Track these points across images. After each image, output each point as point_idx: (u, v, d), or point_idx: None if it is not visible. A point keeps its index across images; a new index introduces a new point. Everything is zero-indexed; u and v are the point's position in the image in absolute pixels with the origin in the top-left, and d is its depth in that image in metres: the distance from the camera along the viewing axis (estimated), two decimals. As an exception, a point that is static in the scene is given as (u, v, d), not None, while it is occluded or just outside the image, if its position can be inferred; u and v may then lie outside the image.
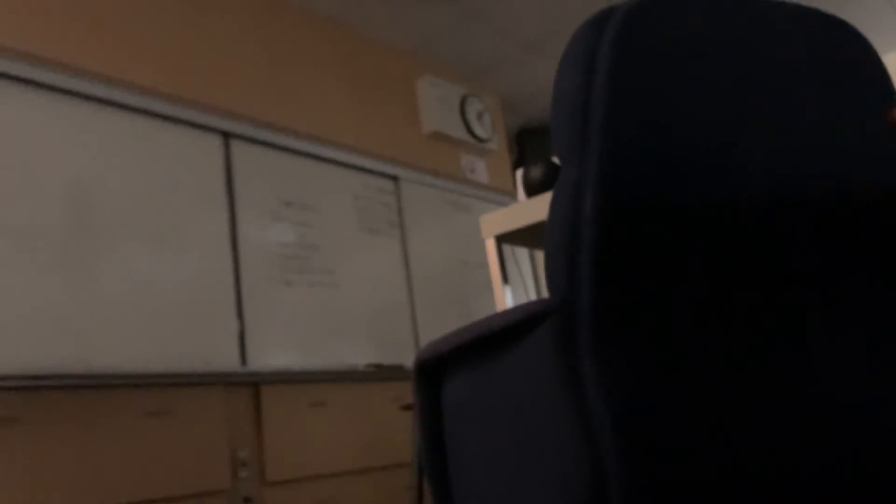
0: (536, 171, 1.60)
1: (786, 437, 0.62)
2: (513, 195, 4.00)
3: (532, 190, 1.62)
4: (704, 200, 0.63)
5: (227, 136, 2.65)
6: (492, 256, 1.64)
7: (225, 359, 2.36)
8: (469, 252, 3.55)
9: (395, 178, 3.31)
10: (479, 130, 3.81)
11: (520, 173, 1.69)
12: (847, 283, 0.69)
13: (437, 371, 0.83)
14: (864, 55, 0.76)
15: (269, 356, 2.50)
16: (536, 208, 1.54)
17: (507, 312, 0.70)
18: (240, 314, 2.46)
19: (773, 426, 0.62)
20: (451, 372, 0.81)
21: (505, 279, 1.64)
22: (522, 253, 3.86)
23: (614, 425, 0.59)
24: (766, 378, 0.64)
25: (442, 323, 3.22)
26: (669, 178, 0.63)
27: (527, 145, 4.54)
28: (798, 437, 0.63)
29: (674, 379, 0.61)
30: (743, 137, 0.66)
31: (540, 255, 3.96)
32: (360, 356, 2.80)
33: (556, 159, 1.59)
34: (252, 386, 2.44)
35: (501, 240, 1.65)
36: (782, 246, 0.66)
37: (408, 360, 2.96)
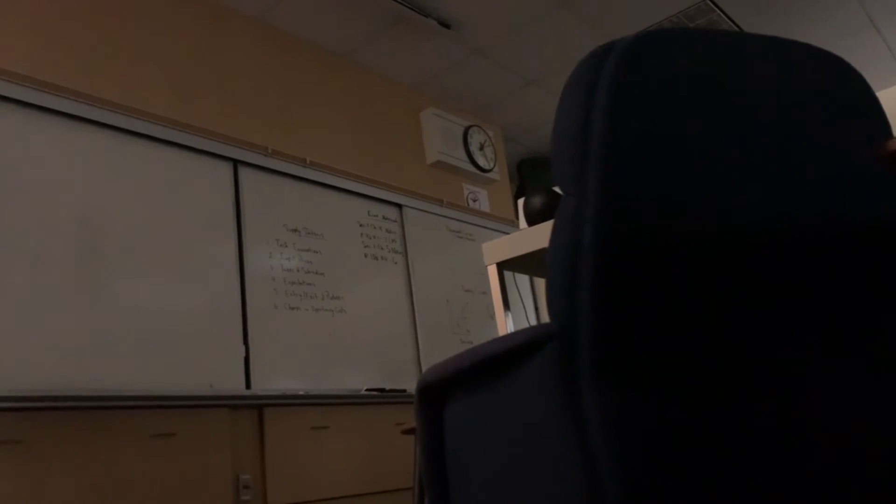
0: (537, 201, 1.63)
1: (786, 469, 0.62)
2: (513, 224, 4.03)
3: (533, 218, 1.64)
4: (700, 232, 0.63)
5: (236, 163, 2.69)
6: (494, 283, 1.66)
7: (230, 383, 2.37)
8: (471, 279, 3.56)
9: (399, 207, 3.34)
10: (481, 161, 3.86)
11: (521, 202, 1.72)
12: (842, 313, 0.69)
13: (439, 395, 0.83)
14: (859, 90, 0.77)
15: (274, 380, 2.50)
16: (537, 236, 1.56)
17: (508, 337, 0.71)
18: (245, 339, 2.47)
19: (771, 457, 0.62)
20: (453, 396, 0.81)
21: (506, 305, 1.65)
22: (523, 280, 3.87)
23: (613, 453, 0.59)
24: (765, 408, 0.63)
25: (444, 349, 3.22)
26: (666, 209, 0.63)
27: (527, 175, 4.59)
28: (799, 475, 0.62)
29: (673, 408, 0.61)
30: (738, 171, 0.65)
31: (540, 283, 3.97)
32: (363, 381, 2.80)
33: (557, 189, 1.62)
34: (256, 409, 2.44)
35: (503, 267, 1.67)
36: (778, 277, 0.66)
37: (410, 384, 2.96)
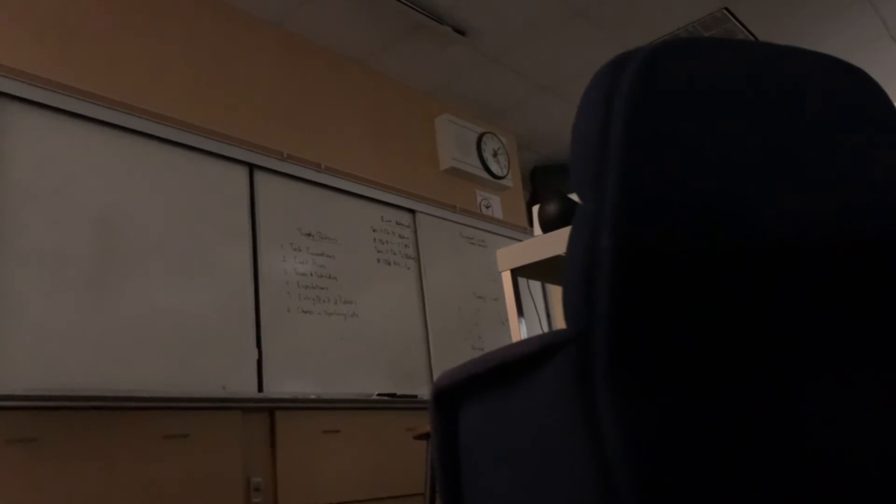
0: (553, 207, 1.63)
1: (798, 475, 0.62)
2: (526, 231, 4.03)
3: (548, 225, 1.64)
4: (717, 238, 0.64)
5: (251, 167, 2.72)
6: (508, 289, 1.66)
7: (243, 385, 2.38)
8: (483, 286, 3.56)
9: (412, 212, 3.35)
10: (494, 167, 3.87)
11: (535, 209, 1.72)
12: (857, 324, 0.69)
13: (453, 399, 0.83)
14: (878, 101, 0.77)
15: (286, 383, 2.52)
16: (552, 243, 1.57)
17: (523, 343, 0.71)
18: (258, 342, 2.49)
19: (785, 462, 0.62)
20: (467, 401, 0.81)
21: (520, 311, 1.65)
22: (535, 287, 3.86)
23: (628, 457, 0.59)
24: (780, 413, 0.64)
25: (455, 355, 3.22)
26: (683, 215, 0.63)
27: (540, 183, 4.59)
28: (810, 479, 0.62)
29: (688, 412, 0.61)
30: (755, 179, 0.66)
31: (552, 289, 3.96)
32: (374, 385, 2.81)
33: (573, 196, 1.62)
34: (268, 412, 2.45)
35: (517, 273, 1.67)
36: (793, 285, 0.66)
37: (421, 390, 2.96)
